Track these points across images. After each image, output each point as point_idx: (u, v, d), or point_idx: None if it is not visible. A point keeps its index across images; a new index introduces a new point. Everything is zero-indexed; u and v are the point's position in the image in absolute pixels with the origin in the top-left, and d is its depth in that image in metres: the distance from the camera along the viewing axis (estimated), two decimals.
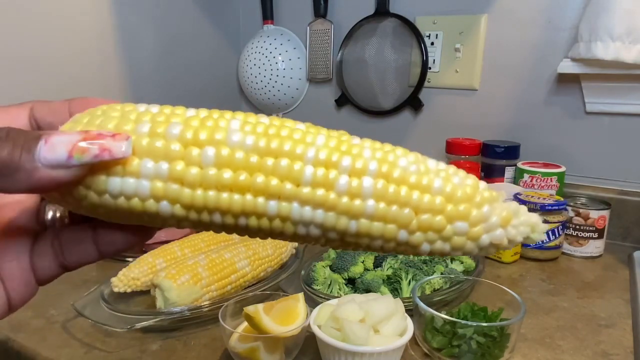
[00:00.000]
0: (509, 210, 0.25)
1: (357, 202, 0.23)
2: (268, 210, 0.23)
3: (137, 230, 0.25)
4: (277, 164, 0.22)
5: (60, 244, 0.25)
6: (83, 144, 0.21)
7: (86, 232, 0.25)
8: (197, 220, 0.23)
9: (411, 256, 0.70)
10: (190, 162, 0.22)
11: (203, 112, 0.24)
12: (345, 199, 0.23)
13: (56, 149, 0.20)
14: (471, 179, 0.25)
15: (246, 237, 0.64)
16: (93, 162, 0.21)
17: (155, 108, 0.24)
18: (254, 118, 0.24)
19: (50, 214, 0.26)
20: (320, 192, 0.23)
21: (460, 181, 0.24)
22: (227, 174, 0.22)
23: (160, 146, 0.22)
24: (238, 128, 0.23)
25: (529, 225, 0.25)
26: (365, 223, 0.23)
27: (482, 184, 0.25)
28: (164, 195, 0.22)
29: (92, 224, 0.25)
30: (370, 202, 0.23)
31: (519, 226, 0.25)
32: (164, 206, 0.23)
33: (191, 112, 0.25)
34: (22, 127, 0.23)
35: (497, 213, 0.24)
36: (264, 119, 0.24)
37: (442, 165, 0.25)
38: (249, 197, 0.22)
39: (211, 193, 0.22)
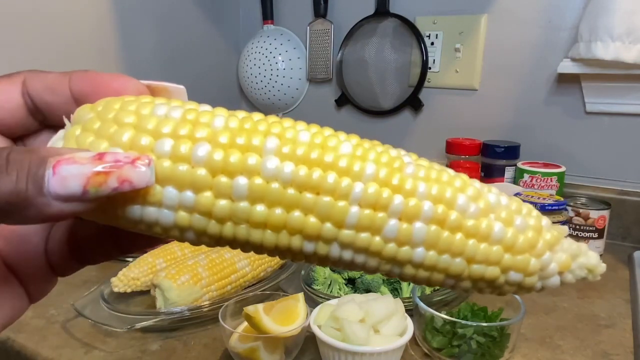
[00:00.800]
0: (570, 253, 0.23)
1: (405, 248, 0.20)
2: (304, 249, 0.20)
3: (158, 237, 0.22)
4: (319, 200, 0.19)
5: (79, 244, 0.23)
6: (99, 173, 0.18)
7: (105, 233, 0.23)
8: (229, 243, 0.21)
9: None
10: (219, 193, 0.19)
11: (233, 121, 0.20)
12: (391, 245, 0.20)
13: (68, 183, 0.17)
14: (534, 219, 0.22)
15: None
16: (111, 195, 0.18)
17: (176, 112, 0.20)
18: (292, 132, 0.20)
19: None
20: (365, 235, 0.20)
21: (523, 223, 0.22)
22: (261, 208, 0.19)
23: (185, 172, 0.19)
24: (274, 150, 0.20)
25: (587, 268, 0.23)
26: (411, 270, 0.21)
27: (546, 221, 0.22)
28: (190, 226, 0.20)
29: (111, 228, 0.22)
30: (420, 250, 0.21)
31: (575, 270, 0.23)
32: (190, 235, 0.20)
33: (219, 121, 0.20)
34: (14, 107, 0.21)
35: (557, 259, 0.22)
36: (304, 134, 0.20)
37: (505, 199, 0.22)
38: (283, 234, 0.20)
39: (242, 226, 0.20)
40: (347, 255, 0.20)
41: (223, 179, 0.19)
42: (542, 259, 0.22)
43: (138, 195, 0.19)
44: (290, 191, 0.19)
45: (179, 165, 0.19)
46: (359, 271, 0.22)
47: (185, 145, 0.19)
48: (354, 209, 0.20)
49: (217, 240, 0.20)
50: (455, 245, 0.21)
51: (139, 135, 0.19)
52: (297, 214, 0.19)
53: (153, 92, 0.25)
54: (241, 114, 0.21)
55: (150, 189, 0.19)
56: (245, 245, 0.21)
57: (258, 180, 0.19)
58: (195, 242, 0.21)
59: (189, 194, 0.19)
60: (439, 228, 0.20)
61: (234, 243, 0.20)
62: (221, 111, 0.21)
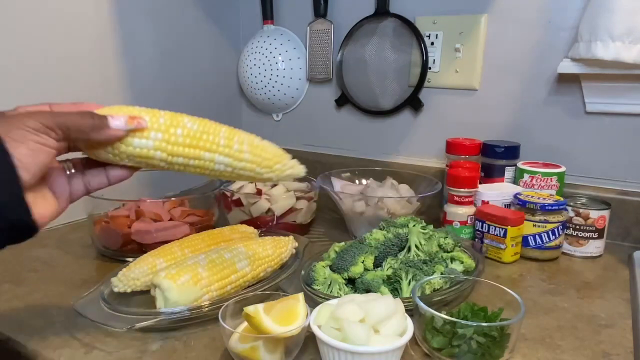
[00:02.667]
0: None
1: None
2: (202, 156, 0.54)
3: (130, 168, 0.54)
4: (208, 136, 0.54)
5: (86, 176, 0.53)
6: (131, 119, 0.50)
7: (101, 169, 0.53)
8: (170, 163, 0.53)
9: (411, 256, 0.70)
10: (171, 134, 0.52)
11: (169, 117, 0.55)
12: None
13: (120, 121, 0.50)
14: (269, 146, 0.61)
15: (246, 237, 0.66)
16: (134, 128, 0.50)
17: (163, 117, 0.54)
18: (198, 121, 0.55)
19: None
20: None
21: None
22: (188, 139, 0.53)
23: (161, 124, 0.52)
24: (190, 121, 0.54)
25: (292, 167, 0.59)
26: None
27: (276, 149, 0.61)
28: (159, 147, 0.52)
29: (105, 165, 0.53)
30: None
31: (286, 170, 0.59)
32: (158, 154, 0.52)
33: (162, 118, 0.54)
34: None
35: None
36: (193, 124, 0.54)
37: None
38: (197, 150, 0.53)
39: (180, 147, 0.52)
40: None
41: (172, 129, 0.52)
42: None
43: (142, 133, 0.51)
44: (198, 133, 0.53)
45: (157, 123, 0.52)
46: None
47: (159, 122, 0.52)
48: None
49: (169, 155, 0.53)
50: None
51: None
52: (201, 142, 0.53)
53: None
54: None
55: (146, 131, 0.51)
56: (179, 159, 0.53)
57: (179, 131, 0.52)
58: (159, 163, 0.53)
59: (159, 135, 0.51)
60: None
61: (175, 158, 0.53)
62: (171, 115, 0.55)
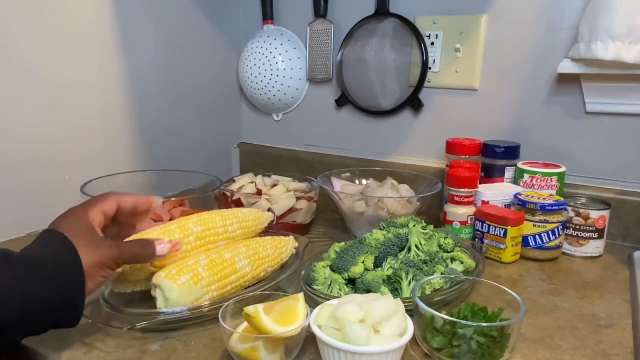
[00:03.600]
0: None
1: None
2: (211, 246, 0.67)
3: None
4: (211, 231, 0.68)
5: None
6: (173, 246, 0.60)
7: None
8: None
9: (411, 256, 0.71)
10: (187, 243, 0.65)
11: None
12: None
13: (163, 248, 0.58)
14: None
15: (247, 236, 0.67)
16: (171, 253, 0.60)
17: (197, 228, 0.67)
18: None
19: None
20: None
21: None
22: (198, 241, 0.67)
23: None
24: (194, 224, 0.67)
25: None
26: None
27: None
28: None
29: None
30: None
31: None
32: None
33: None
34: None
35: None
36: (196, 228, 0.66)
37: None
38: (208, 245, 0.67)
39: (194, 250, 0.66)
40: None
41: (185, 240, 0.65)
42: None
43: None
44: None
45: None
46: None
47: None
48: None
49: None
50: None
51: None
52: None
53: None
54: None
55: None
56: None
57: (191, 238, 0.65)
58: None
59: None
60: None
61: None
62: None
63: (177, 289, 0.58)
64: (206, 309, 0.59)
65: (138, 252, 0.57)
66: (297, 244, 0.76)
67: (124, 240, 0.59)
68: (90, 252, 0.52)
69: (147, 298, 0.63)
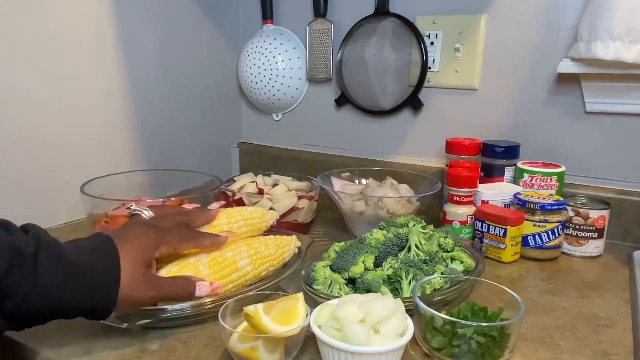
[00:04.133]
0: None
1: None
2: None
3: None
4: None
5: None
6: (214, 290, 0.59)
7: None
8: None
9: (412, 256, 0.71)
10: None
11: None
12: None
13: (203, 291, 0.58)
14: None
15: (251, 234, 0.73)
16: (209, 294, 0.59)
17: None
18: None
19: None
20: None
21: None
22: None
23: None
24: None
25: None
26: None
27: None
28: None
29: None
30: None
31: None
32: None
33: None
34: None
35: None
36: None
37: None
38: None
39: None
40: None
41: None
42: None
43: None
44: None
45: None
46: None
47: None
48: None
49: None
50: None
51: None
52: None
53: None
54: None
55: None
56: None
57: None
58: None
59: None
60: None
61: None
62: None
63: None
64: (208, 307, 0.59)
65: (176, 293, 0.56)
66: (300, 243, 0.76)
67: (166, 278, 0.57)
68: (129, 289, 0.52)
69: None
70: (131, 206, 0.64)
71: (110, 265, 0.51)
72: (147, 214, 0.63)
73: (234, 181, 0.99)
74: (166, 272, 0.59)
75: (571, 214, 0.84)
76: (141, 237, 0.56)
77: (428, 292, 0.62)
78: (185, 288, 0.56)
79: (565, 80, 0.92)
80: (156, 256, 0.57)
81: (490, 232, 0.81)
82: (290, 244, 0.74)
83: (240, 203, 0.90)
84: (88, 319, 0.53)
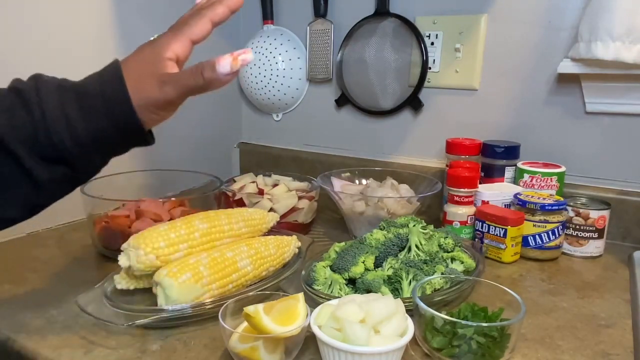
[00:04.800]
0: None
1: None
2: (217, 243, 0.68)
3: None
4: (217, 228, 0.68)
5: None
6: (234, 59, 0.49)
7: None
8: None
9: (412, 256, 0.71)
10: (192, 238, 0.66)
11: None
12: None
13: (225, 63, 0.48)
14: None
15: (252, 235, 0.73)
16: (241, 67, 0.49)
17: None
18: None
19: None
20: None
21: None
22: (204, 237, 0.67)
23: (182, 235, 0.65)
24: (201, 221, 0.67)
25: None
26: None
27: None
28: (187, 253, 0.65)
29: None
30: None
31: None
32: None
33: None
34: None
35: None
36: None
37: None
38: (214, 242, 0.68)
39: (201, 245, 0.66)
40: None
41: (191, 235, 0.65)
42: None
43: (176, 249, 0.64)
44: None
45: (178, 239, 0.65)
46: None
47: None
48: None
49: None
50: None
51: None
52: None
53: None
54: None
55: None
56: None
57: (197, 234, 0.66)
58: None
59: (185, 245, 0.65)
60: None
61: None
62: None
63: (177, 287, 0.58)
64: (208, 307, 0.59)
65: (195, 76, 0.50)
66: (300, 243, 0.76)
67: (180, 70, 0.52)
68: (141, 90, 0.49)
69: (150, 296, 0.63)
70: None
71: (112, 75, 0.49)
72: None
73: (234, 181, 0.99)
74: (166, 271, 0.59)
75: (571, 214, 0.84)
76: (142, 49, 0.54)
77: (428, 292, 0.62)
78: (205, 67, 0.49)
79: (565, 80, 0.92)
80: (169, 55, 0.52)
81: (490, 232, 0.81)
82: (290, 244, 0.74)
83: (240, 203, 0.90)
84: (126, 145, 0.52)
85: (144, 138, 0.52)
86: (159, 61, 0.51)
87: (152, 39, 0.57)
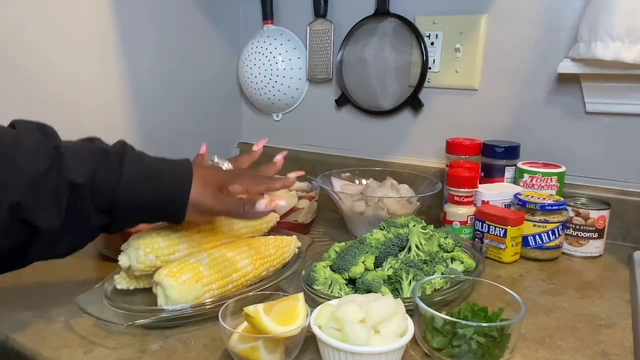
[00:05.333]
0: None
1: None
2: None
3: None
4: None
5: None
6: (271, 202, 0.61)
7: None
8: None
9: (412, 256, 0.71)
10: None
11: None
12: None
13: (262, 206, 0.60)
14: None
15: (249, 236, 0.73)
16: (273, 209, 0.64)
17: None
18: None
19: None
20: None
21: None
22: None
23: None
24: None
25: None
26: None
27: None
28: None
29: None
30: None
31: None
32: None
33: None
34: None
35: None
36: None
37: None
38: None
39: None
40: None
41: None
42: None
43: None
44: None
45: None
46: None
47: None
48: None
49: None
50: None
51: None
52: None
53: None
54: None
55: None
56: None
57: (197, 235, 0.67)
58: None
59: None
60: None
61: None
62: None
63: (177, 287, 0.58)
64: (208, 307, 0.59)
65: (237, 207, 0.61)
66: (299, 243, 0.76)
67: (230, 196, 0.63)
68: (198, 194, 0.58)
69: (150, 296, 0.63)
70: (213, 158, 0.73)
71: (184, 174, 0.59)
72: (226, 165, 0.72)
73: None
74: (166, 271, 0.59)
75: (571, 214, 0.84)
76: (215, 171, 0.66)
77: (428, 292, 0.62)
78: (247, 203, 0.61)
79: (565, 80, 0.92)
80: (229, 189, 0.62)
81: (490, 232, 0.81)
82: (290, 244, 0.74)
83: None
84: (167, 220, 0.62)
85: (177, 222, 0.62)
86: (218, 184, 0.62)
87: (225, 167, 0.72)
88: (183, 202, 0.58)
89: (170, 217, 0.60)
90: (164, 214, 0.59)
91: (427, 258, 0.69)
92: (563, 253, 0.85)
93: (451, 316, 0.55)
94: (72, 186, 0.52)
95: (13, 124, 0.55)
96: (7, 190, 0.49)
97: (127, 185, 0.54)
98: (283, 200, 0.63)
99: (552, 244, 0.81)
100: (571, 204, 0.85)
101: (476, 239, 0.84)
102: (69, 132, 0.94)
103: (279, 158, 0.78)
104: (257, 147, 0.80)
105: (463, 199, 0.86)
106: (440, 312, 0.53)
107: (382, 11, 1.06)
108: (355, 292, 0.66)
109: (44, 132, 0.55)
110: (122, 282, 0.64)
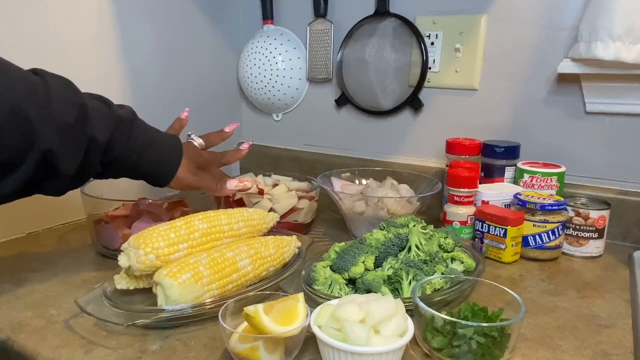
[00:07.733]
0: None
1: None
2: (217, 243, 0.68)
3: None
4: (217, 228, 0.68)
5: None
6: (241, 182, 0.80)
7: None
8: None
9: (412, 256, 0.71)
10: (193, 238, 0.66)
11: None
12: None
13: (232, 185, 0.79)
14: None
15: (249, 236, 0.71)
16: (240, 191, 0.82)
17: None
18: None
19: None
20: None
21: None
22: (204, 237, 0.67)
23: (182, 235, 0.65)
24: (200, 222, 0.67)
25: None
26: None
27: None
28: (187, 253, 0.65)
29: None
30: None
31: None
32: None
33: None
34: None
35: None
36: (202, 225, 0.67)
37: None
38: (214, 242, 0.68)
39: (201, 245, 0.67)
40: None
41: (191, 236, 0.66)
42: None
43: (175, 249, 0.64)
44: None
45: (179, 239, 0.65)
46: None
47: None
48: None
49: None
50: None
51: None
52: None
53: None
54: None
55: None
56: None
57: (197, 234, 0.66)
58: None
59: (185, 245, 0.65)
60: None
61: None
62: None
63: (177, 287, 0.58)
64: (208, 307, 0.59)
65: (210, 181, 0.77)
66: (299, 243, 0.76)
67: (206, 173, 0.78)
68: (181, 171, 0.72)
69: (150, 296, 0.63)
70: (190, 134, 0.82)
71: (176, 150, 0.73)
72: (198, 142, 0.81)
73: None
74: (166, 271, 0.59)
75: (571, 214, 0.84)
76: (198, 152, 0.79)
77: (428, 292, 0.62)
78: (220, 181, 0.78)
79: (565, 80, 0.92)
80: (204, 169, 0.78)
81: (490, 232, 0.81)
82: (290, 244, 0.74)
83: (240, 203, 0.90)
84: (151, 184, 0.72)
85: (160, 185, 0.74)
86: (195, 164, 0.76)
87: (197, 144, 0.81)
88: (171, 173, 0.71)
89: (154, 181, 0.72)
90: (150, 178, 0.71)
91: (427, 258, 0.69)
92: (563, 253, 0.85)
93: (451, 316, 0.55)
94: (93, 141, 0.62)
95: (35, 71, 0.61)
96: (40, 136, 0.57)
97: (131, 148, 0.66)
98: (250, 183, 0.81)
99: (552, 244, 0.81)
100: (571, 204, 0.85)
101: (476, 239, 0.84)
102: None
103: (245, 146, 0.87)
104: (229, 129, 0.87)
105: (463, 199, 0.86)
106: (440, 312, 0.53)
107: (382, 11, 1.06)
108: (355, 292, 0.66)
109: (70, 86, 0.63)
110: (122, 282, 0.64)
